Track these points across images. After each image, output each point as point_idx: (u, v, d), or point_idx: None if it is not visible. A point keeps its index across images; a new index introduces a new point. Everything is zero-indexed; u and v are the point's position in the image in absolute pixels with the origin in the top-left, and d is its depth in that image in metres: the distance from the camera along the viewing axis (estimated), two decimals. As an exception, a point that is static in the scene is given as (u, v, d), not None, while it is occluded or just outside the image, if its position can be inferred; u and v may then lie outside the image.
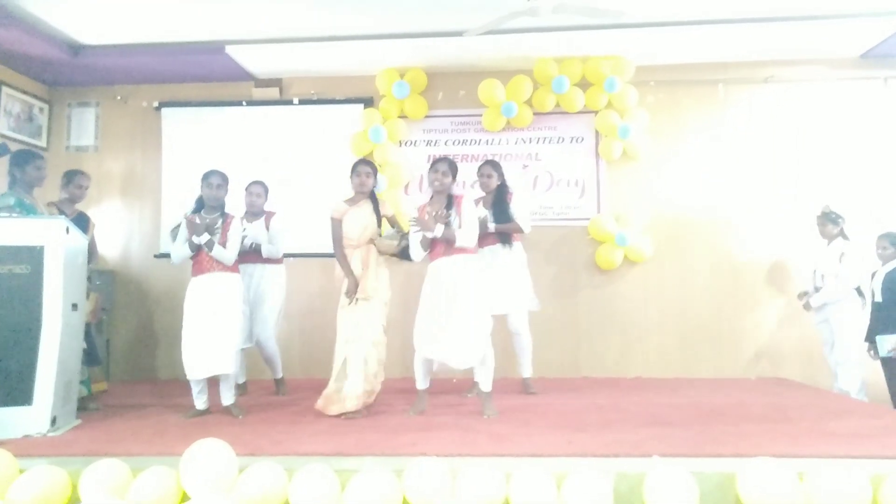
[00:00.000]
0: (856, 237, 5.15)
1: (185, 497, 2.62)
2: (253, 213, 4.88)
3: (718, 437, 3.26)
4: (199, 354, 3.96)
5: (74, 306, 3.76)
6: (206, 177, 4.18)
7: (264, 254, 4.79)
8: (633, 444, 3.10)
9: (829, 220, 5.14)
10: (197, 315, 4.01)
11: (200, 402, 4.09)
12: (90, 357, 4.36)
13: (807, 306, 5.23)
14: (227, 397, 4.11)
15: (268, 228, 4.88)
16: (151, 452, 3.01)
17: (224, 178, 4.20)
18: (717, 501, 2.61)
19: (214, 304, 4.01)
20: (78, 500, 2.65)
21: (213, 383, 4.15)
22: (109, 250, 6.09)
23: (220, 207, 4.19)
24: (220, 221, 4.11)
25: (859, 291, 5.06)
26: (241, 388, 4.88)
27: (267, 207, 4.96)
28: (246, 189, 4.91)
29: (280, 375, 5.01)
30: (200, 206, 4.21)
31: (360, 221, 4.11)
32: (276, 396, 4.86)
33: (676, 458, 2.82)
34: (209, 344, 3.96)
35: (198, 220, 4.01)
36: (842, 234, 5.12)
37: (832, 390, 5.13)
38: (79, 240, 3.90)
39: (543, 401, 4.51)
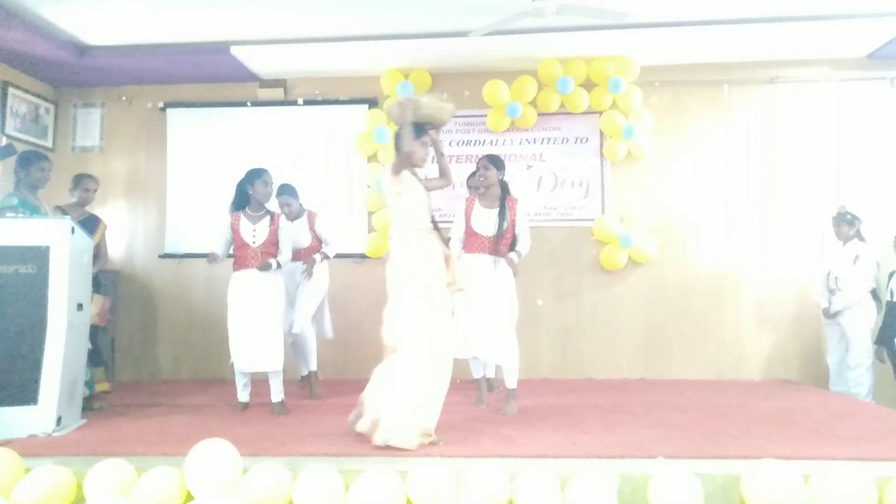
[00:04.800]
0: (870, 239, 5.11)
1: (189, 497, 2.63)
2: (293, 214, 4.86)
3: (723, 439, 3.25)
4: (248, 350, 4.10)
5: (80, 306, 3.77)
6: (259, 174, 4.23)
7: (331, 255, 4.90)
8: (637, 446, 3.10)
9: (844, 222, 5.08)
10: (243, 309, 4.11)
11: (245, 396, 4.27)
12: (93, 358, 4.37)
13: (826, 313, 5.16)
14: (277, 393, 4.18)
15: (312, 228, 4.89)
16: (156, 452, 3.02)
17: (271, 176, 4.29)
18: (722, 503, 2.60)
19: (260, 299, 4.11)
20: (83, 500, 2.65)
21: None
22: (114, 250, 6.09)
23: (265, 206, 4.30)
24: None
25: (874, 294, 5.00)
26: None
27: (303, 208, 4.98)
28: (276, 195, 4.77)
29: (314, 368, 4.92)
30: (244, 202, 4.25)
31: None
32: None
33: (681, 459, 2.81)
34: (258, 340, 4.09)
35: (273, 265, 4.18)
36: (858, 235, 5.06)
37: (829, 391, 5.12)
38: (84, 240, 3.91)
39: (547, 402, 4.50)
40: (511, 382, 4.12)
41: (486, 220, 4.13)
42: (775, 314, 5.74)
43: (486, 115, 5.96)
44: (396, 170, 3.41)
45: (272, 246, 4.22)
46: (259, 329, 4.09)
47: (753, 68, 5.88)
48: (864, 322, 4.94)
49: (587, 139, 5.99)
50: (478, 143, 6.08)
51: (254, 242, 4.17)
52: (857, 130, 5.77)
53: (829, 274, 5.15)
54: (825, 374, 5.36)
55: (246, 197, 4.26)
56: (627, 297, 5.87)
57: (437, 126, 3.53)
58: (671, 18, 5.13)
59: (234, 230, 4.20)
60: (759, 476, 2.53)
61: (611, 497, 2.46)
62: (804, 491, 2.49)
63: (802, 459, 2.79)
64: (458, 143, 6.10)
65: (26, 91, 5.87)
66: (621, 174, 5.93)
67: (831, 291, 5.09)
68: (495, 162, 4.20)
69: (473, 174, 4.65)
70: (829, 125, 5.80)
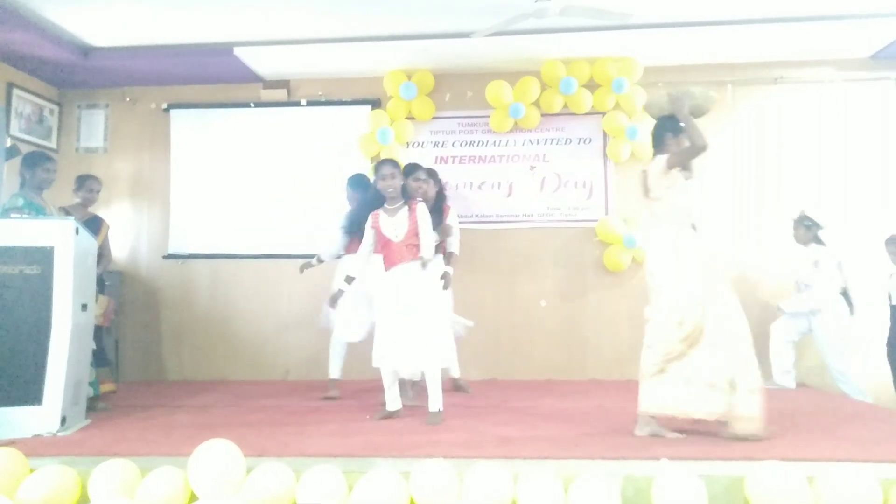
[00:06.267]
0: (834, 242, 5.12)
1: (193, 497, 2.63)
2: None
3: (727, 440, 3.24)
4: (403, 350, 3.77)
5: (84, 307, 3.78)
6: (377, 168, 4.00)
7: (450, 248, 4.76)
8: (640, 447, 3.09)
9: (801, 225, 5.12)
10: (394, 308, 3.81)
11: (397, 402, 3.89)
12: (99, 358, 4.38)
13: (779, 311, 5.22)
14: (435, 400, 3.78)
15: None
16: (160, 453, 3.02)
17: (395, 166, 3.97)
18: (726, 505, 2.59)
19: (415, 297, 3.80)
20: (87, 500, 2.66)
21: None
22: (118, 251, 6.11)
23: (400, 196, 3.96)
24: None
25: (846, 296, 5.01)
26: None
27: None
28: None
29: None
30: (379, 201, 3.98)
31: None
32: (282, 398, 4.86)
33: (685, 460, 2.80)
34: (416, 340, 3.76)
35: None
36: (815, 239, 5.08)
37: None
38: (89, 241, 3.92)
39: (550, 403, 4.50)
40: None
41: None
42: (778, 315, 5.72)
43: (489, 116, 5.96)
44: (671, 164, 3.39)
45: (415, 237, 3.93)
46: (418, 326, 3.77)
47: (757, 69, 5.87)
48: (834, 326, 4.96)
49: (590, 140, 5.99)
50: (481, 143, 6.08)
51: (396, 237, 3.90)
52: (861, 131, 5.75)
53: (797, 283, 5.22)
54: (829, 376, 5.34)
55: (379, 194, 4.01)
56: (631, 298, 5.84)
57: (700, 116, 3.50)
58: (675, 19, 5.13)
59: (376, 228, 3.94)
60: (763, 477, 2.52)
61: (614, 498, 2.46)
62: (808, 493, 2.48)
63: (806, 461, 2.78)
64: (460, 144, 6.10)
65: (31, 92, 5.89)
66: (625, 175, 5.91)
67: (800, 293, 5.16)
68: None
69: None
70: (833, 126, 5.78)
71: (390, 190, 3.89)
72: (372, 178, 4.40)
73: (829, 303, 4.95)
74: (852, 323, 5.01)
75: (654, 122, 3.63)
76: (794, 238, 5.18)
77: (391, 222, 3.90)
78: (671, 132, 3.48)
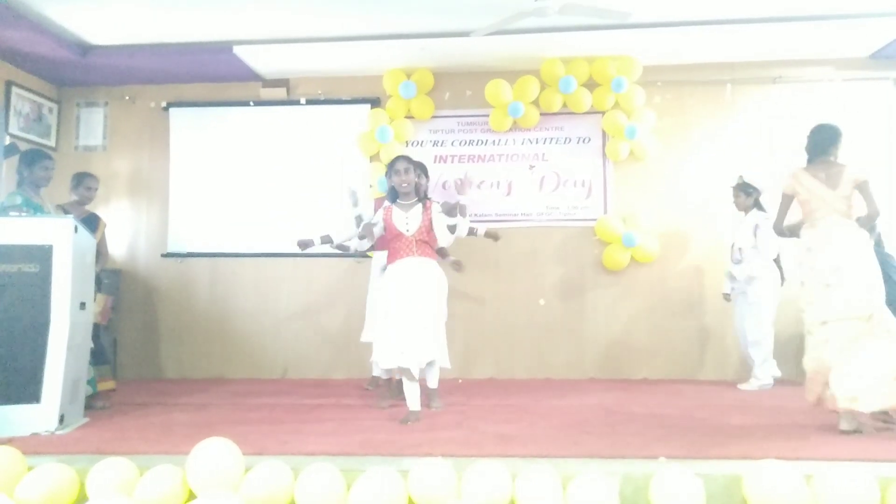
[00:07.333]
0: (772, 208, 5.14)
1: (191, 495, 2.63)
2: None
3: (725, 439, 3.25)
4: (409, 344, 3.74)
5: (83, 305, 3.78)
6: (391, 164, 4.03)
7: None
8: (639, 446, 3.10)
9: (741, 191, 5.16)
10: (401, 303, 3.80)
11: (415, 402, 3.80)
12: (97, 356, 4.38)
13: (726, 298, 5.30)
14: (433, 380, 4.05)
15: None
16: (158, 451, 3.02)
17: (410, 162, 4.01)
18: None
19: (419, 291, 3.82)
20: (85, 498, 2.66)
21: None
22: (117, 249, 6.11)
23: (414, 193, 4.01)
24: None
25: (778, 265, 5.10)
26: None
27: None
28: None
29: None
30: (394, 196, 4.03)
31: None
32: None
33: (683, 459, 2.81)
34: (418, 334, 3.76)
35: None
36: (756, 205, 5.13)
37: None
38: (87, 239, 3.92)
39: (549, 402, 4.51)
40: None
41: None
42: (777, 314, 5.72)
43: (488, 115, 5.96)
44: (863, 189, 3.71)
45: (426, 234, 3.95)
46: (420, 322, 3.78)
47: (756, 68, 5.88)
48: (769, 291, 5.03)
49: (589, 139, 5.99)
50: (480, 142, 6.08)
51: (407, 231, 3.93)
52: (859, 131, 5.74)
53: (733, 246, 5.21)
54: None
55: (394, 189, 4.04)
56: (630, 297, 5.86)
57: None
58: (674, 18, 5.13)
59: (387, 221, 3.97)
60: (761, 476, 2.52)
61: (612, 497, 2.46)
62: (806, 491, 2.48)
63: (804, 460, 2.79)
64: (459, 143, 6.09)
65: (30, 90, 5.88)
66: (624, 174, 5.93)
67: (737, 262, 5.13)
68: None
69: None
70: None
71: (404, 185, 3.95)
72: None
73: (766, 268, 5.02)
74: (781, 292, 5.11)
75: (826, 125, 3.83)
76: (735, 205, 5.23)
77: (404, 217, 3.96)
78: (841, 138, 3.80)
